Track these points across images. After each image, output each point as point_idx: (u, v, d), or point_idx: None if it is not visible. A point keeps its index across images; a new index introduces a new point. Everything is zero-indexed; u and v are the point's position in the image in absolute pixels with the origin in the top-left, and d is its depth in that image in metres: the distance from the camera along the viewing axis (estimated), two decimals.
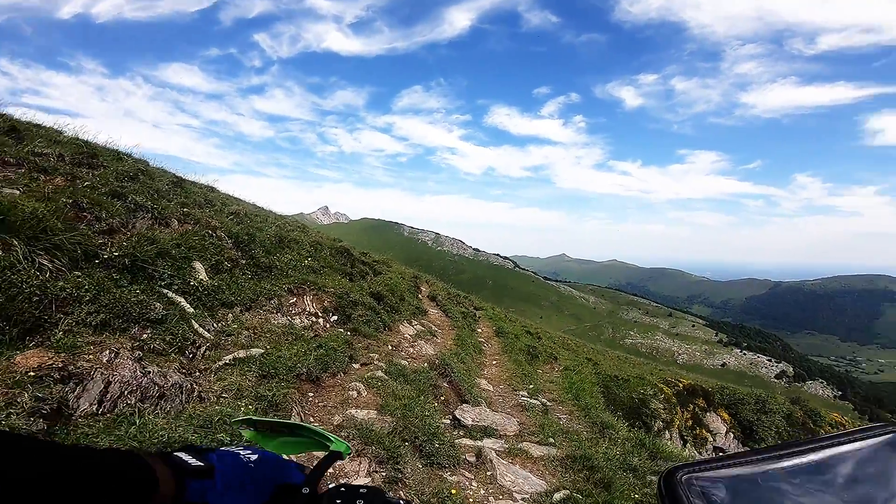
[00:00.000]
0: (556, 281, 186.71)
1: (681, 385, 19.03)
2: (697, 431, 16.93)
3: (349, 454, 0.83)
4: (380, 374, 5.31)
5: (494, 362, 9.64)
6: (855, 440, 0.62)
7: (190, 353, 4.37)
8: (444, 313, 11.78)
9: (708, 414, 18.39)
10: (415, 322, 9.40)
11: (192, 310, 4.91)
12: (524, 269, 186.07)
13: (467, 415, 5.04)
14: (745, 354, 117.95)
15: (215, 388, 4.01)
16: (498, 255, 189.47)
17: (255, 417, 0.93)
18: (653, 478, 5.05)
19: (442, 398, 5.60)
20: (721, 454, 0.68)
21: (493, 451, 4.16)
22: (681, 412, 16.44)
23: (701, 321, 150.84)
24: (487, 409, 5.54)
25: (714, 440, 16.81)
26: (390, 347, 6.88)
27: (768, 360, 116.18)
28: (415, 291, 12.79)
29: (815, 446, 0.61)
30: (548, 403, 7.59)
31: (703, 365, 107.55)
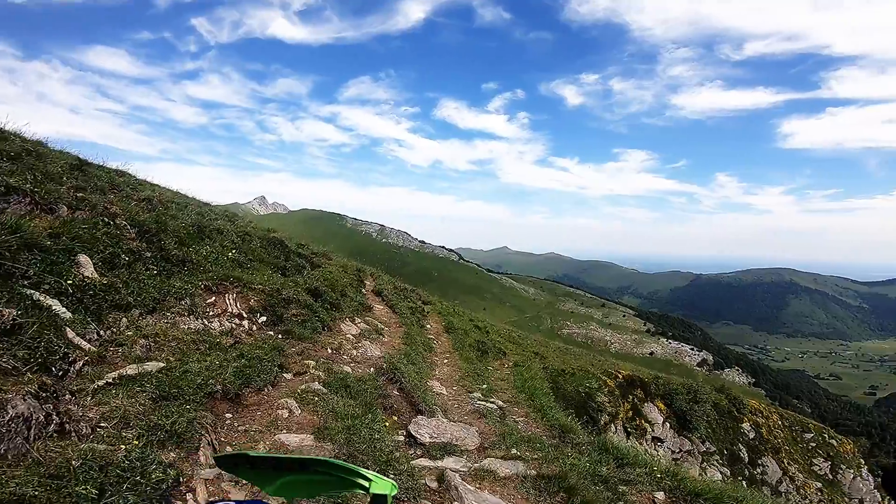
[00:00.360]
0: (499, 273, 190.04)
1: (621, 376, 19.48)
2: (637, 422, 17.32)
3: (395, 494, 0.67)
4: (317, 385, 4.47)
5: (445, 361, 9.02)
6: None
7: (59, 371, 3.32)
8: (390, 309, 10.97)
9: (646, 404, 18.91)
10: (358, 320, 8.54)
11: (68, 314, 3.81)
12: (468, 262, 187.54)
13: (423, 430, 4.35)
14: (670, 343, 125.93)
15: (91, 415, 3.02)
16: (443, 247, 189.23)
17: (250, 452, 0.74)
18: (624, 488, 4.64)
19: (392, 410, 4.86)
20: None
21: (457, 476, 3.50)
22: (623, 404, 16.75)
23: (631, 311, 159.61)
24: (444, 420, 4.88)
25: (652, 430, 17.27)
26: (330, 351, 6.01)
27: (691, 348, 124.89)
28: (358, 286, 11.87)
29: None
30: (503, 405, 7.08)
31: (634, 353, 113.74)
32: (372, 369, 5.83)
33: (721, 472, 18.22)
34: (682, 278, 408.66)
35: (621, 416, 15.22)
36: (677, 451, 17.96)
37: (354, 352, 6.46)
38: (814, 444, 24.89)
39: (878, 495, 24.69)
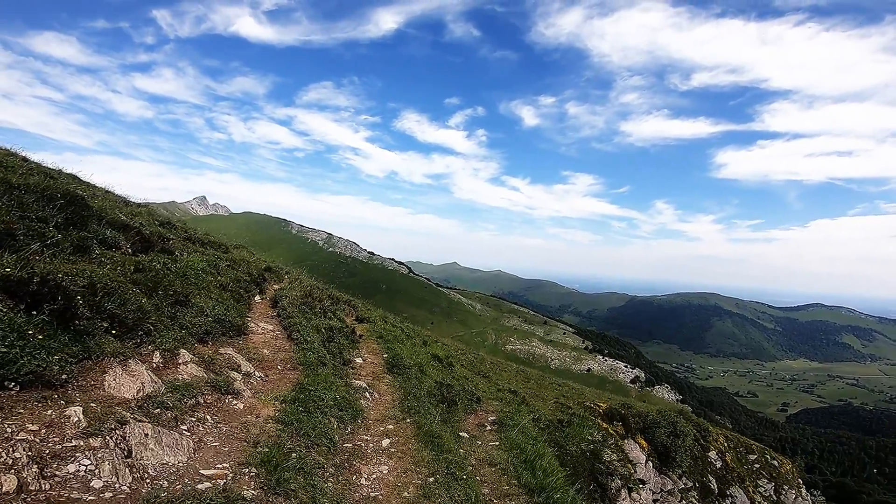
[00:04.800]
0: (448, 288, 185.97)
1: (600, 409, 16.26)
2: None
3: None
4: None
5: (387, 440, 4.46)
6: None
7: None
8: (285, 331, 6.16)
9: (626, 441, 15.56)
10: (188, 357, 3.79)
11: None
12: (418, 275, 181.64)
13: None
14: (606, 360, 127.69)
15: None
16: (393, 259, 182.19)
17: None
18: None
19: None
20: None
21: None
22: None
23: (571, 329, 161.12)
24: None
25: (635, 471, 13.98)
26: None
27: (625, 366, 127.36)
28: (246, 291, 7.07)
29: None
30: None
31: (572, 370, 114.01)
32: None
33: None
34: (619, 299, 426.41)
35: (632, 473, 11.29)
36: (658, 491, 15.12)
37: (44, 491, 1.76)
38: (757, 466, 23.48)
39: None
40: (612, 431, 12.10)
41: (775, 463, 24.44)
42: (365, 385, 5.59)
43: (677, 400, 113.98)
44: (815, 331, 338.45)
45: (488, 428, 6.78)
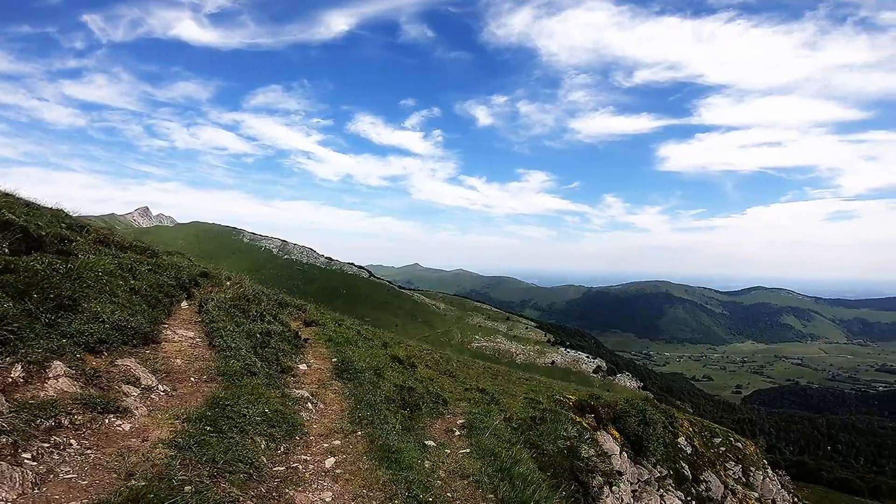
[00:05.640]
0: (410, 290, 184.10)
1: (571, 402, 16.00)
2: None
3: None
4: None
5: (331, 460, 3.66)
6: None
7: None
8: (207, 337, 5.22)
9: (598, 433, 15.33)
10: (64, 370, 2.88)
11: None
12: (380, 279, 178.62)
13: None
14: (568, 352, 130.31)
15: None
16: (352, 264, 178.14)
17: None
18: None
19: None
20: None
21: None
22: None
23: (533, 323, 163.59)
24: None
25: (611, 463, 13.80)
26: None
27: (587, 356, 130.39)
28: (167, 296, 6.04)
29: None
30: None
31: (537, 363, 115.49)
32: None
33: (678, 497, 15.83)
34: (576, 291, 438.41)
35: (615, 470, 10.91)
36: (636, 482, 15.06)
37: None
38: (723, 449, 24.07)
39: (785, 493, 24.50)
40: (585, 424, 11.72)
41: (739, 445, 25.07)
42: (307, 395, 4.74)
43: (639, 387, 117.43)
44: (759, 313, 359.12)
45: (457, 433, 6.10)
